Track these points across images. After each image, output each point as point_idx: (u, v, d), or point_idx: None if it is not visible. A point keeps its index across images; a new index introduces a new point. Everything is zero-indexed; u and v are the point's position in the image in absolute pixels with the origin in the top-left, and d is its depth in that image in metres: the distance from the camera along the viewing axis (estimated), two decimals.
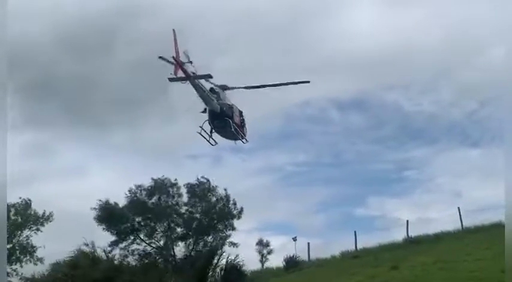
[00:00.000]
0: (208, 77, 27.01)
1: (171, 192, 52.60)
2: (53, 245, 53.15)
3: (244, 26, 60.41)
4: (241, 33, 55.78)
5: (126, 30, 59.23)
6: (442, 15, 79.66)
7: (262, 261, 51.97)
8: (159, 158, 73.73)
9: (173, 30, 25.00)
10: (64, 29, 63.44)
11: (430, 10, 78.08)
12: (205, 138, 28.63)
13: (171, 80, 26.24)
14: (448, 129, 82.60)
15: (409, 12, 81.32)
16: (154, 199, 52.20)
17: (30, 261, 53.58)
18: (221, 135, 29.23)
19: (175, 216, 52.52)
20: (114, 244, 50.71)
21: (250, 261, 51.53)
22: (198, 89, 26.81)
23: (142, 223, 52.19)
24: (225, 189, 53.15)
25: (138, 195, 52.12)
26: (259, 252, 51.61)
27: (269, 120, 73.83)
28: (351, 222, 73.51)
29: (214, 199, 53.52)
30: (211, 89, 28.15)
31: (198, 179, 53.04)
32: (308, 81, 28.28)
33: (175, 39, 24.89)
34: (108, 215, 50.80)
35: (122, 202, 51.85)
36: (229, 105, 28.69)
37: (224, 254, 50.91)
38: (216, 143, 29.11)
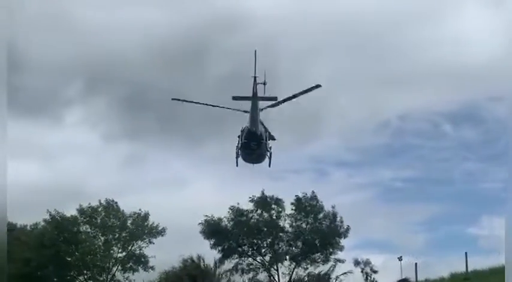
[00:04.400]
0: (273, 99, 26.85)
1: (276, 208, 53.28)
2: (160, 255, 54.97)
3: (341, 34, 59.63)
4: (336, 41, 55.15)
5: (216, 44, 60.83)
6: None
7: (366, 281, 51.26)
8: (258, 172, 73.49)
9: (255, 51, 25.17)
10: (156, 44, 66.12)
11: None
12: (236, 158, 28.58)
13: (234, 98, 26.74)
14: None
15: None
16: (258, 215, 53.05)
17: (138, 271, 55.36)
18: (245, 158, 28.56)
19: (280, 233, 53.07)
20: (221, 261, 52.04)
21: (353, 281, 51.25)
22: (255, 109, 26.78)
23: (246, 240, 53.22)
24: (333, 207, 53.25)
25: (240, 210, 53.01)
26: (363, 271, 50.99)
27: (373, 133, 72.07)
28: (459, 242, 69.41)
29: (321, 215, 53.68)
30: None
31: (305, 194, 53.25)
32: (319, 85, 26.97)
33: (255, 60, 25.05)
34: (214, 231, 52.46)
35: (224, 216, 53.13)
36: (265, 128, 28.41)
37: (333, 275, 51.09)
38: (237, 165, 28.83)
